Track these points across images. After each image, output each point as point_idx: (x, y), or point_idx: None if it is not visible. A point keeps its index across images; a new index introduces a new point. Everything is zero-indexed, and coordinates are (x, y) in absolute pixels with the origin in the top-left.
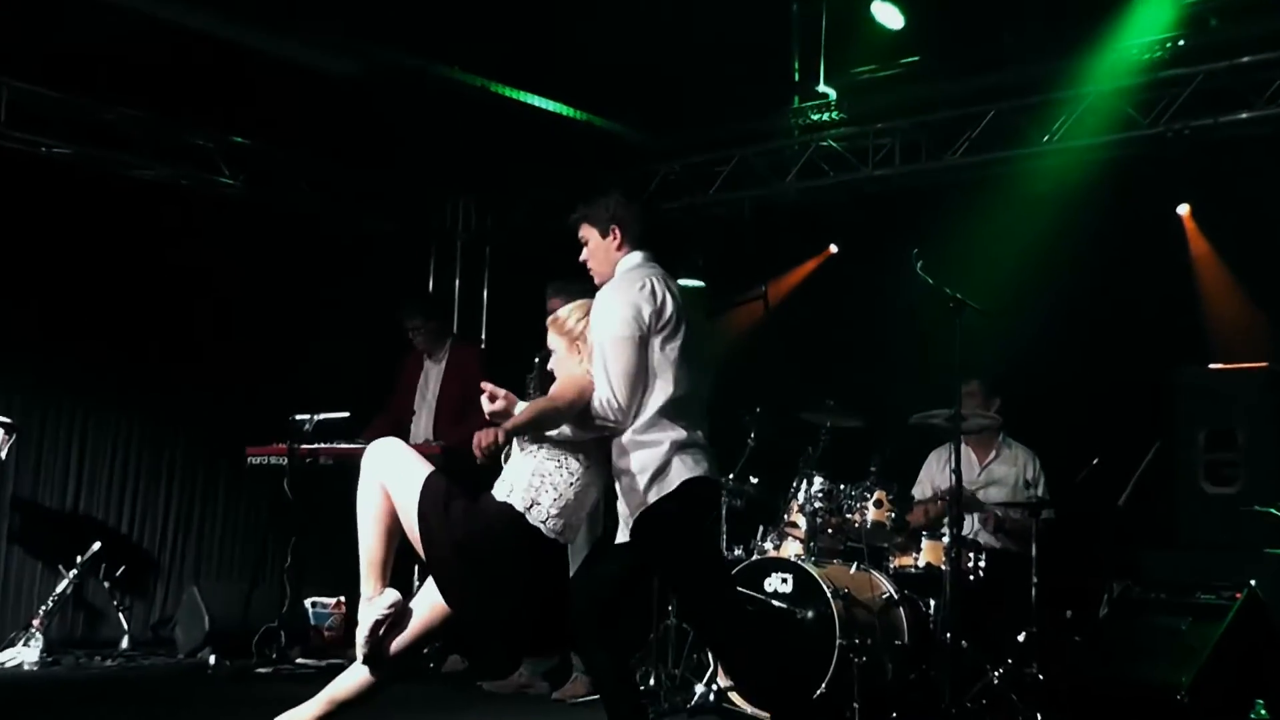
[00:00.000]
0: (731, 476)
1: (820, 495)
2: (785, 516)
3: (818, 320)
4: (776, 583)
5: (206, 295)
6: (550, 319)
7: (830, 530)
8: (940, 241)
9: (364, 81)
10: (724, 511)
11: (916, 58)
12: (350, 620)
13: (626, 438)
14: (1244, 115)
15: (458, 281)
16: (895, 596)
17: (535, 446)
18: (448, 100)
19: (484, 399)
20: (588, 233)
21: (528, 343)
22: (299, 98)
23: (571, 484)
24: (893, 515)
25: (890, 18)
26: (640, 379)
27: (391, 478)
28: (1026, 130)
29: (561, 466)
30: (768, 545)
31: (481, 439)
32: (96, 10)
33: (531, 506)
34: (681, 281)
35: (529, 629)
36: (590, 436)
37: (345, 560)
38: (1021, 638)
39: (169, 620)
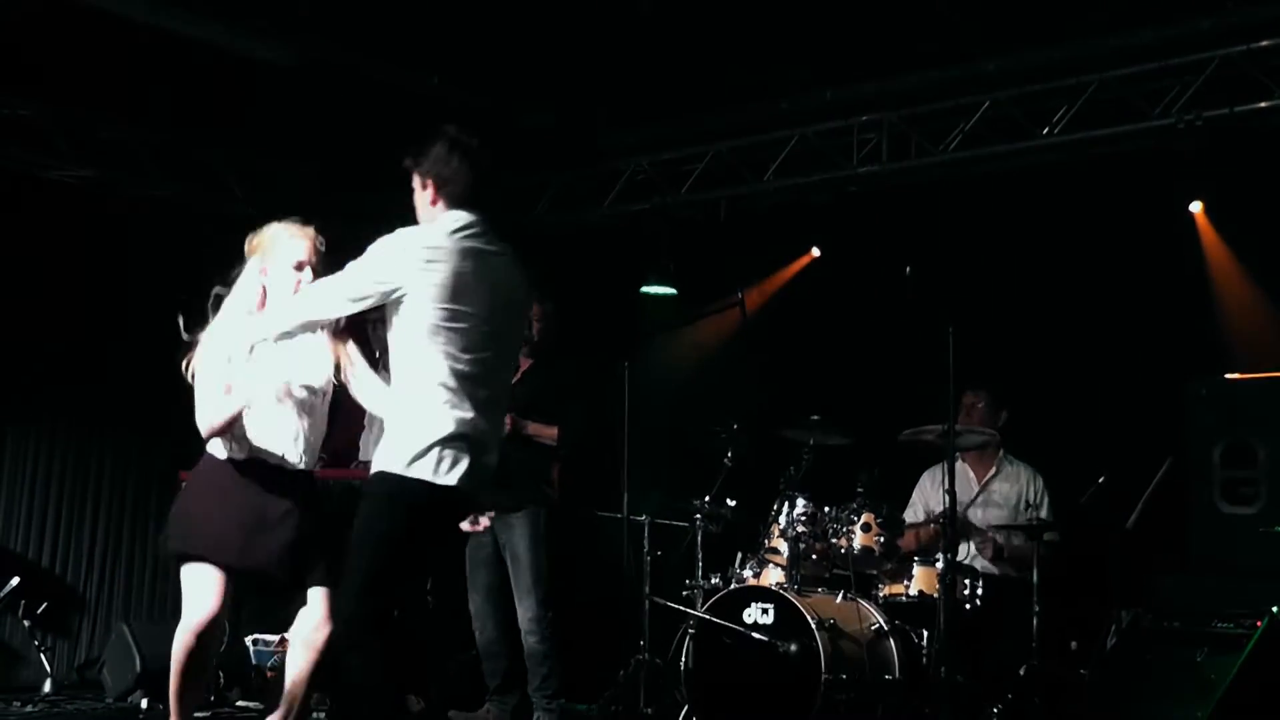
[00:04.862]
0: (708, 499)
1: (803, 518)
2: (765, 542)
3: (799, 329)
4: (756, 613)
5: (131, 306)
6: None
7: (814, 556)
8: (932, 244)
9: (299, 73)
10: (699, 537)
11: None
12: None
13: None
14: (1263, 104)
15: None
16: (885, 628)
17: None
18: (387, 94)
19: None
20: (414, 180)
21: None
22: (230, 89)
23: None
24: (882, 539)
25: None
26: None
27: None
28: (1024, 122)
29: None
30: (747, 573)
31: None
32: None
33: None
34: (651, 288)
35: None
36: None
37: (288, 593)
38: (1023, 671)
39: (96, 661)
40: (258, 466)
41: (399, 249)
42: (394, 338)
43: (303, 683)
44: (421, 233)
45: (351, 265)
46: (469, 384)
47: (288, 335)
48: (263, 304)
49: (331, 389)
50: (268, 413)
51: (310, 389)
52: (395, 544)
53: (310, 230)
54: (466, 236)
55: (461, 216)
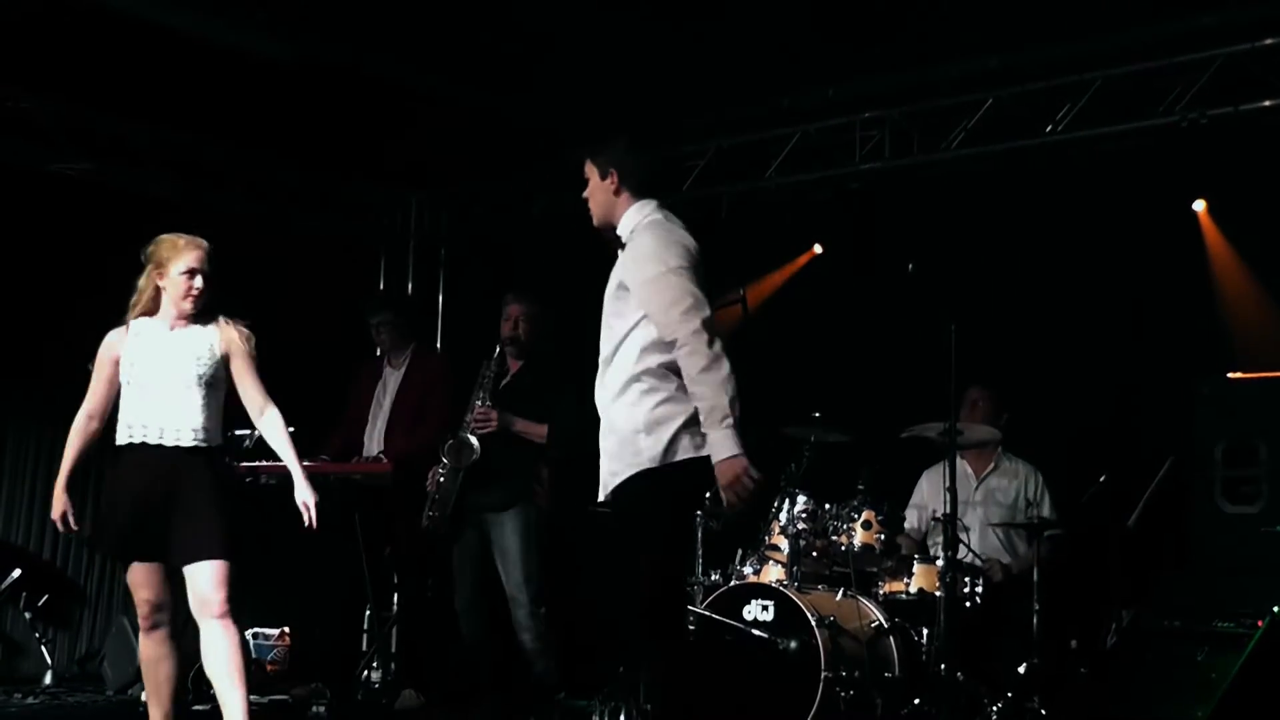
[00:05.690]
0: (708, 495)
1: (804, 516)
2: (766, 539)
3: (801, 326)
4: (756, 610)
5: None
6: None
7: (815, 553)
8: (934, 241)
9: (300, 69)
10: (699, 533)
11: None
12: (295, 652)
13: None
14: (1267, 103)
15: (410, 285)
16: (885, 625)
17: None
18: (390, 91)
19: None
20: (589, 171)
21: (487, 349)
22: (227, 86)
23: None
24: (882, 537)
25: None
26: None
27: None
28: (1028, 119)
29: None
30: (747, 569)
31: None
32: None
33: None
34: None
35: None
36: None
37: (289, 587)
38: (1022, 669)
39: (97, 654)
40: (141, 450)
41: (673, 238)
42: (624, 335)
43: (240, 663)
44: (663, 223)
45: (670, 276)
46: None
47: (709, 347)
48: (156, 305)
49: (216, 373)
50: (148, 395)
51: (191, 372)
52: (679, 540)
53: (203, 242)
54: (672, 216)
55: (653, 201)
